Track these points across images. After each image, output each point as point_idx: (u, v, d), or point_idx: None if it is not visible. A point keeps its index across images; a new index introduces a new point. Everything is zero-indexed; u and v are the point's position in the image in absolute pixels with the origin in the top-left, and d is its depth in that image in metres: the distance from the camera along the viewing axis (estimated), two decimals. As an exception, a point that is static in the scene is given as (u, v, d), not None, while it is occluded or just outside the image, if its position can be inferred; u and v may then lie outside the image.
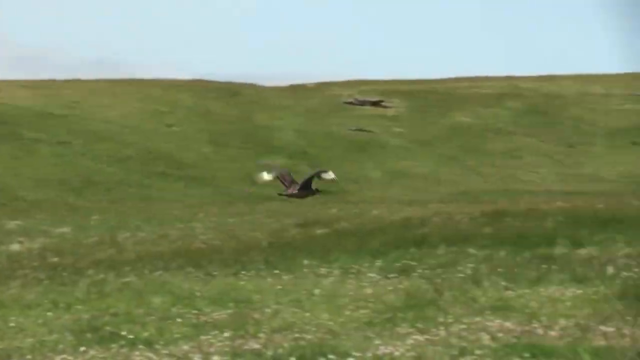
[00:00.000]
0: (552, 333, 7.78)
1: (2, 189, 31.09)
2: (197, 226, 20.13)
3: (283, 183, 14.37)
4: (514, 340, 7.67)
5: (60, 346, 8.01)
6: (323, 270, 11.77)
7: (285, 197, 14.12)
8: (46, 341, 8.19)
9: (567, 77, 60.17)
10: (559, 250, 12.14)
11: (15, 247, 16.90)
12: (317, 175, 14.27)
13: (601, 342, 7.35)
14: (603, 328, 7.73)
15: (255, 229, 19.35)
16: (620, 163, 41.91)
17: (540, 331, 7.89)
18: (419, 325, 8.35)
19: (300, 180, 13.97)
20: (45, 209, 26.28)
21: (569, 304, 8.93)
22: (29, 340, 8.22)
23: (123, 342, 8.02)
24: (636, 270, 10.27)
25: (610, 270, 10.43)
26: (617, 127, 47.33)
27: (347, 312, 9.01)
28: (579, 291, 9.49)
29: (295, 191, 14.30)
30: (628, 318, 7.99)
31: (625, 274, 10.12)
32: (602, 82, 57.67)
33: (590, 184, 37.23)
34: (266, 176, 14.49)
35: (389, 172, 40.24)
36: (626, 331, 7.57)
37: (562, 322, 8.12)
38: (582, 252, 11.88)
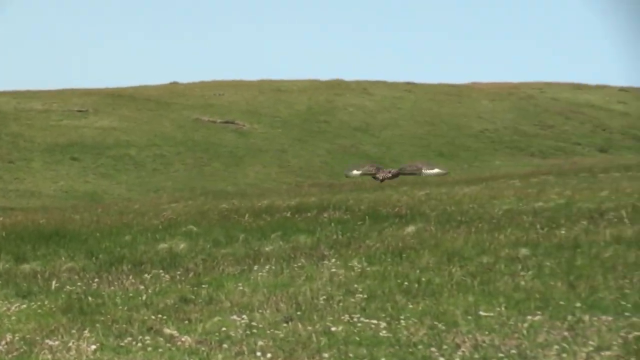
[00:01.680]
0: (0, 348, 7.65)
1: None
2: None
3: (371, 174, 17.11)
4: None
5: None
6: None
7: (379, 180, 16.95)
8: None
9: (4, 93, 59.28)
10: (2, 265, 11.94)
11: None
12: (417, 172, 16.62)
13: (47, 356, 7.42)
14: (49, 342, 7.80)
15: None
16: (60, 178, 42.38)
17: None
18: None
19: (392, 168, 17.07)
20: None
21: (14, 318, 8.88)
22: None
23: None
24: (80, 284, 10.48)
25: (54, 284, 10.51)
26: (55, 142, 47.82)
27: None
28: (24, 306, 9.47)
29: (389, 175, 16.33)
30: (73, 331, 8.15)
31: (69, 287, 10.29)
32: (41, 98, 57.82)
33: (31, 199, 37.08)
34: (356, 172, 15.64)
35: None
36: (71, 344, 7.70)
37: (8, 336, 8.04)
38: (26, 267, 11.82)
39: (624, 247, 11.52)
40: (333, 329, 7.93)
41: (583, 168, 33.12)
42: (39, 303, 9.55)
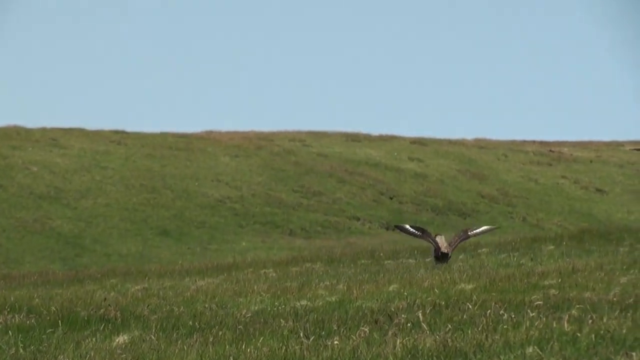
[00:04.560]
0: None
1: None
2: None
3: (432, 242, 23.90)
4: None
5: None
6: None
7: (438, 258, 23.98)
8: None
9: None
10: None
11: None
12: (466, 236, 25.01)
13: None
14: None
15: None
16: None
17: None
18: None
19: (449, 240, 24.25)
20: None
21: None
22: None
23: None
24: None
25: None
26: None
27: None
28: None
29: (450, 250, 24.47)
30: None
31: None
32: None
33: None
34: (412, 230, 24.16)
35: None
36: None
37: None
38: None
39: (421, 362, 11.99)
40: None
41: (363, 252, 34.21)
42: None
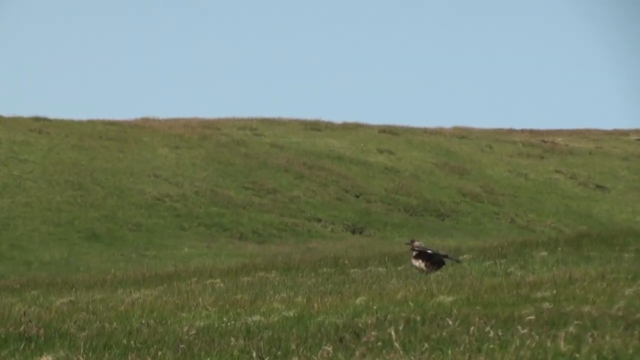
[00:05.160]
0: None
1: None
2: None
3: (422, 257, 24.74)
4: None
5: None
6: None
7: (433, 263, 25.27)
8: None
9: None
10: None
11: None
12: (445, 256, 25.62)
13: None
14: None
15: None
16: None
17: None
18: None
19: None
20: None
21: None
22: None
23: None
24: None
25: None
26: None
27: None
28: None
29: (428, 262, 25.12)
30: None
31: None
32: None
33: None
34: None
35: None
36: None
37: None
38: None
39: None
40: None
41: (325, 259, 34.27)
42: None
